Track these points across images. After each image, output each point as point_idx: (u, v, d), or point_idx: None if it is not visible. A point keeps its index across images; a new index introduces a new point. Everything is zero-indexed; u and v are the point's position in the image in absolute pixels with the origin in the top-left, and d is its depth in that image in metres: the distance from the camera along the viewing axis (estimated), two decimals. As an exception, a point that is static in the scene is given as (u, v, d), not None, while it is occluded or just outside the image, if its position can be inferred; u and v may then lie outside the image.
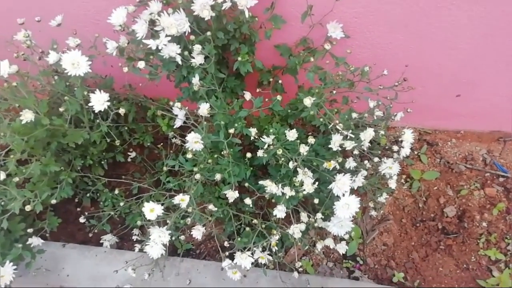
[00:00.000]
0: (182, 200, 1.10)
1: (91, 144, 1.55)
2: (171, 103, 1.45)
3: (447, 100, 1.81)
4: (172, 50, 1.14)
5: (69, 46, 1.27)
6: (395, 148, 1.34)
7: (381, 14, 1.37)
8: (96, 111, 1.20)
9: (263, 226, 1.32)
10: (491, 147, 1.93)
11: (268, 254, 1.33)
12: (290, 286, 1.49)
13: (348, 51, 1.39)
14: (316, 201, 1.26)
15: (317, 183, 1.17)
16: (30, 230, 1.44)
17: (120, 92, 1.75)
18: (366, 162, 1.37)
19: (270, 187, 1.12)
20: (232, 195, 1.14)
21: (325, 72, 1.42)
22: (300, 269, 1.67)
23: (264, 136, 1.24)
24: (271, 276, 1.58)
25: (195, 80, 1.19)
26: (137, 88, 1.79)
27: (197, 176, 1.16)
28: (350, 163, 1.28)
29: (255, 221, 1.31)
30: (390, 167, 1.36)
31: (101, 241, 1.72)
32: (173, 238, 1.55)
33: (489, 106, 1.81)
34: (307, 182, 1.13)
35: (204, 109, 1.14)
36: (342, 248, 1.33)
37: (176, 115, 1.35)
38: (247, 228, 1.35)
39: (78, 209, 1.82)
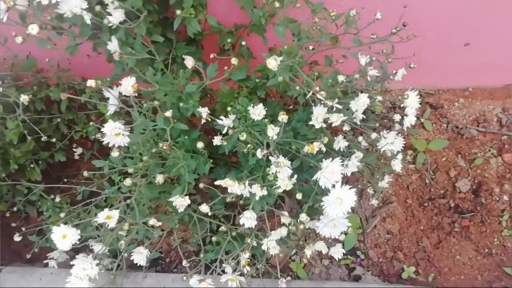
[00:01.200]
0: (108, 217, 0.78)
1: (9, 144, 1.21)
2: (98, 82, 1.11)
3: (453, 51, 1.48)
4: (75, 5, 0.79)
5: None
6: (397, 117, 1.02)
7: None
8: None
9: (233, 233, 1.01)
10: (506, 104, 1.62)
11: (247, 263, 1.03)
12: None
13: (326, -8, 1.04)
14: (299, 196, 0.95)
15: (295, 176, 0.85)
16: None
17: (48, 75, 1.40)
18: (360, 138, 1.05)
19: (232, 187, 0.81)
20: (181, 202, 0.82)
21: (298, 25, 1.09)
22: (290, 273, 1.38)
23: (222, 117, 0.92)
24: (255, 284, 1.29)
25: (112, 45, 0.85)
26: (71, 68, 1.45)
27: (127, 181, 0.84)
28: (340, 143, 0.96)
29: (223, 227, 1.00)
30: (391, 143, 1.05)
31: (45, 261, 1.41)
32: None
33: (504, 55, 1.49)
34: (282, 175, 0.82)
35: (128, 85, 0.81)
36: (337, 252, 1.03)
37: (107, 98, 1.02)
38: (214, 238, 1.04)
39: (13, 224, 1.50)
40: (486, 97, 1.65)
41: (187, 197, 0.83)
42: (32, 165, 1.37)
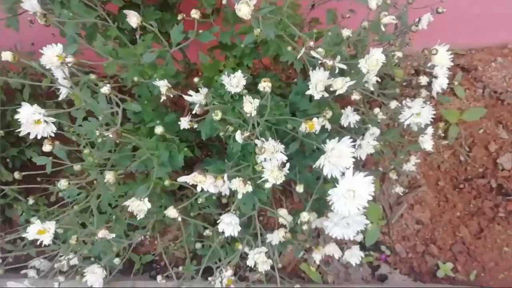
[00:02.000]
0: (41, 232, 0.58)
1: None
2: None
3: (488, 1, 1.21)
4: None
5: None
6: (423, 80, 0.78)
7: None
8: None
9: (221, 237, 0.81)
10: (555, 60, 1.34)
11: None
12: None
13: None
14: (299, 189, 0.73)
15: (287, 165, 0.63)
16: None
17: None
18: (377, 110, 0.81)
19: (203, 184, 0.60)
20: (138, 207, 0.62)
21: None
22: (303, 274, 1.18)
23: (191, 92, 0.70)
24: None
25: (29, 3, 0.64)
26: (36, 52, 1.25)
27: (62, 183, 0.64)
28: (349, 117, 0.73)
29: (207, 232, 0.80)
30: (417, 114, 0.81)
31: (23, 270, 1.25)
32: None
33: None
34: (269, 165, 0.60)
35: (52, 55, 0.60)
36: (354, 256, 0.81)
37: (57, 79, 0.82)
38: (197, 244, 0.84)
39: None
40: (530, 53, 1.37)
41: (147, 199, 0.63)
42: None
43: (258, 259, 0.64)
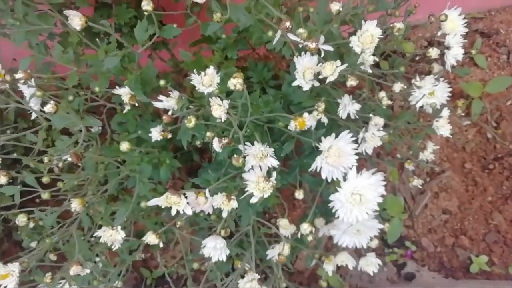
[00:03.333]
0: (4, 276, 0.51)
1: None
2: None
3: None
4: None
5: None
6: (433, 52, 0.66)
7: None
8: None
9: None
10: None
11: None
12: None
13: None
14: (299, 195, 0.64)
15: (275, 174, 0.53)
16: None
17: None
18: (382, 94, 0.70)
19: (179, 206, 0.50)
20: (112, 237, 0.54)
21: None
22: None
23: (161, 97, 0.61)
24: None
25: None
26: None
27: (21, 219, 0.56)
28: (348, 107, 0.62)
29: (223, 232, 0.71)
30: (430, 93, 0.70)
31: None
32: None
33: None
34: (252, 176, 0.50)
35: None
36: (371, 264, 0.71)
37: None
38: (195, 264, 0.75)
39: None
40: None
41: (120, 227, 0.54)
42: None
43: (251, 281, 0.55)
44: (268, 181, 0.51)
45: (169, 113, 0.60)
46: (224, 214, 0.54)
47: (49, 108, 0.58)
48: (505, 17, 1.24)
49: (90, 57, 0.69)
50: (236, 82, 0.47)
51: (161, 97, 0.61)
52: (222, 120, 0.51)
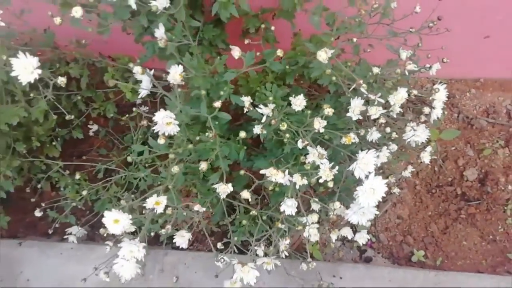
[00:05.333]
0: (157, 203, 0.79)
1: (33, 122, 1.20)
2: (131, 65, 1.09)
3: (471, 43, 1.51)
4: (121, -12, 0.78)
5: None
6: (426, 110, 1.05)
7: None
8: (23, 83, 0.85)
9: (263, 217, 1.05)
10: (515, 96, 1.67)
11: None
12: (298, 279, 1.25)
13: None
14: (330, 184, 0.98)
15: (336, 167, 0.88)
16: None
17: (66, 51, 1.37)
18: (388, 130, 1.08)
19: (275, 176, 0.83)
20: (224, 189, 0.84)
21: (333, 14, 1.09)
22: (304, 253, 1.43)
23: (261, 106, 0.93)
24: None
25: (159, 32, 0.85)
26: (90, 44, 1.41)
27: (175, 169, 0.85)
28: (373, 135, 0.99)
29: (253, 212, 1.03)
30: (417, 135, 1.08)
31: (65, 236, 1.43)
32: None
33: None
34: (324, 166, 0.84)
35: (175, 74, 0.81)
36: (362, 238, 1.08)
37: (140, 81, 1.01)
38: (244, 221, 1.07)
39: (34, 198, 1.49)
40: (496, 88, 1.69)
41: (230, 184, 0.85)
42: (53, 142, 1.36)
43: (312, 232, 0.89)
44: (331, 171, 0.85)
45: (264, 118, 0.91)
46: (297, 186, 0.87)
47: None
48: (461, 86, 1.71)
49: (201, 64, 0.99)
50: (328, 112, 0.81)
51: (261, 106, 0.93)
52: (320, 130, 0.84)
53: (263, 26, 1.18)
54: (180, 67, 0.83)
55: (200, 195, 1.18)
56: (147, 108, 1.51)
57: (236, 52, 0.83)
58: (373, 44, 1.19)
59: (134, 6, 0.83)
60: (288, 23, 1.26)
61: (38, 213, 1.35)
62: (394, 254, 1.47)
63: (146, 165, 1.44)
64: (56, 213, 1.40)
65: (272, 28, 1.20)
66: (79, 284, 1.32)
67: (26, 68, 0.84)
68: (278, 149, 1.05)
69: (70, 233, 1.43)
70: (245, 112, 1.02)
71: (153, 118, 0.80)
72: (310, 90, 1.45)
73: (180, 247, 0.92)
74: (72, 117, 1.24)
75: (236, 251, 1.13)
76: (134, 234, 1.28)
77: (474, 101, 1.68)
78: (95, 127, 1.57)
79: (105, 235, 1.31)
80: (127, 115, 1.43)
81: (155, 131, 0.82)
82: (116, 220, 0.77)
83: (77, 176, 1.39)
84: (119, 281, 1.24)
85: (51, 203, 1.41)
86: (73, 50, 1.37)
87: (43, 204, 1.38)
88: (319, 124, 0.83)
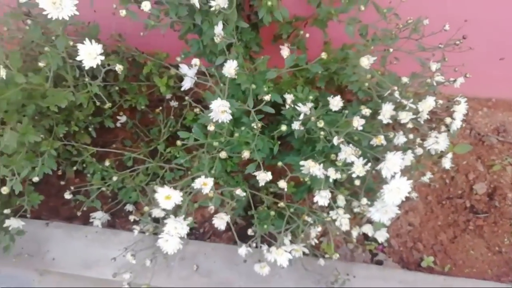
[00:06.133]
0: (204, 184, 0.86)
1: (76, 107, 1.27)
2: (177, 58, 1.17)
3: (487, 63, 1.59)
4: (188, -12, 0.86)
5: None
6: (448, 120, 1.13)
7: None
8: (86, 67, 0.93)
9: (291, 210, 1.11)
10: (525, 117, 1.76)
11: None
12: (315, 274, 1.31)
13: (404, -1, 1.12)
14: (357, 182, 1.05)
15: (369, 164, 0.95)
16: (7, 211, 1.19)
17: (107, 44, 1.44)
18: (411, 136, 1.15)
19: (313, 168, 0.90)
20: (263, 177, 0.91)
21: (366, 26, 1.17)
22: (319, 252, 1.49)
23: (300, 104, 1.00)
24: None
25: (218, 29, 0.92)
26: (126, 39, 1.49)
27: (223, 154, 0.92)
28: (399, 139, 1.06)
29: (281, 203, 1.09)
30: (437, 143, 1.16)
31: (90, 220, 1.48)
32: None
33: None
34: (357, 163, 0.91)
35: (230, 68, 0.88)
36: (382, 236, 1.14)
37: (184, 74, 1.09)
38: (272, 212, 1.14)
39: (62, 182, 1.55)
40: (507, 109, 1.78)
41: (269, 173, 0.92)
42: (89, 128, 1.42)
43: (343, 221, 0.95)
44: (364, 167, 0.92)
45: (301, 116, 0.99)
46: (331, 179, 0.94)
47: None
48: (473, 104, 1.79)
49: (242, 63, 1.06)
50: (366, 112, 0.89)
51: (300, 104, 1.00)
52: (358, 128, 0.91)
53: (301, 32, 1.26)
54: (235, 62, 0.90)
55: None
56: (177, 103, 1.58)
57: (285, 52, 0.91)
58: (398, 57, 1.28)
59: (197, 5, 0.91)
60: (317, 32, 1.34)
61: (68, 196, 1.40)
62: (404, 259, 1.53)
63: (171, 156, 1.51)
64: (85, 198, 1.46)
65: (307, 35, 1.28)
66: (105, 261, 1.38)
67: (90, 54, 0.91)
68: (308, 147, 1.12)
69: (95, 218, 1.49)
70: (281, 110, 1.09)
71: (210, 106, 0.87)
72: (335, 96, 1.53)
73: (219, 228, 0.98)
74: (110, 105, 1.31)
75: (260, 242, 1.19)
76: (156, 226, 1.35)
77: (486, 119, 1.76)
78: (123, 118, 1.64)
79: (132, 219, 1.38)
80: (160, 108, 1.50)
81: (210, 117, 0.89)
82: (168, 197, 0.83)
83: (107, 163, 1.45)
84: (143, 264, 1.31)
85: (77, 188, 1.47)
86: (114, 43, 1.45)
87: (70, 189, 1.44)
88: (357, 123, 0.90)
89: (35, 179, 1.11)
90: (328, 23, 1.32)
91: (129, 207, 1.58)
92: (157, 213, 1.23)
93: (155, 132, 1.63)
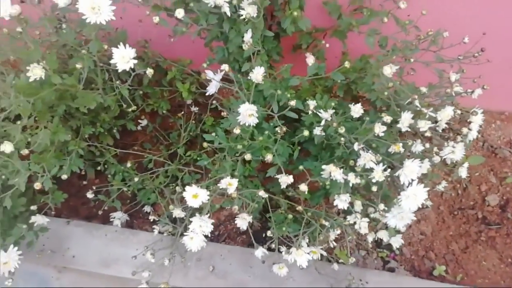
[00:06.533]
0: (229, 184, 0.90)
1: (102, 109, 1.32)
2: (203, 65, 1.22)
3: (501, 77, 1.62)
4: (220, -2, 0.91)
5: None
6: (465, 130, 1.16)
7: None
8: (119, 70, 0.98)
9: (309, 213, 1.14)
10: (538, 131, 1.78)
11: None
12: (329, 278, 1.33)
13: (424, 12, 1.16)
14: (374, 188, 1.08)
15: (388, 170, 0.98)
16: (33, 208, 1.23)
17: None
18: (427, 145, 1.18)
19: (334, 172, 0.93)
20: (285, 180, 0.95)
21: (386, 37, 1.21)
22: (332, 258, 1.52)
23: (321, 111, 1.04)
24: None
25: (247, 37, 0.97)
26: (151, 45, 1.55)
27: (248, 156, 0.96)
28: (417, 147, 1.09)
29: (299, 207, 1.13)
30: (453, 152, 1.19)
31: (110, 219, 1.52)
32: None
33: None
34: (377, 168, 0.95)
35: (258, 74, 0.93)
36: (397, 241, 1.17)
37: (211, 80, 1.13)
38: (290, 216, 1.17)
39: (84, 182, 1.60)
40: (520, 122, 1.80)
41: (291, 176, 0.96)
42: (113, 130, 1.47)
43: (362, 224, 0.98)
44: (383, 173, 0.95)
45: (323, 122, 1.03)
46: (350, 184, 0.97)
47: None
48: (487, 117, 1.81)
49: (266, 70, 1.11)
50: (387, 119, 0.92)
51: (321, 111, 1.04)
52: (380, 134, 0.95)
53: (323, 42, 1.30)
54: (262, 69, 0.95)
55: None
56: (197, 108, 1.63)
57: (310, 60, 0.95)
58: (415, 68, 1.32)
59: (229, 14, 0.95)
60: (334, 42, 1.39)
61: (90, 195, 1.45)
62: (416, 267, 1.55)
63: (190, 159, 1.56)
64: (106, 198, 1.51)
65: (327, 45, 1.32)
66: (124, 260, 1.41)
67: (123, 58, 0.96)
68: (327, 152, 1.16)
69: (114, 217, 1.53)
70: (301, 117, 1.13)
71: (238, 110, 0.92)
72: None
73: (241, 228, 1.01)
74: (135, 108, 1.36)
75: (276, 245, 1.22)
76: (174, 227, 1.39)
77: (499, 132, 1.79)
78: (144, 122, 1.69)
79: (152, 219, 1.42)
80: (182, 112, 1.55)
81: (238, 121, 0.93)
82: (195, 195, 0.87)
83: (128, 165, 1.49)
84: (161, 264, 1.35)
85: (98, 188, 1.51)
86: (140, 49, 1.50)
87: (93, 188, 1.49)
88: (379, 129, 0.93)
89: (64, 176, 1.15)
90: (349, 35, 1.37)
91: (147, 209, 1.62)
92: (177, 213, 1.26)
93: (174, 136, 1.68)
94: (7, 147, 0.83)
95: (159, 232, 1.43)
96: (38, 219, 1.26)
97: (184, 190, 0.90)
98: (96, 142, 1.52)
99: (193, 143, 1.73)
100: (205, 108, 1.67)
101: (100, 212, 1.48)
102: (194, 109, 1.61)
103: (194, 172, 1.56)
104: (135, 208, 1.61)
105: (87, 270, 1.42)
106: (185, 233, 0.94)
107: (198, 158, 1.23)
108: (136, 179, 1.42)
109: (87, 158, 1.58)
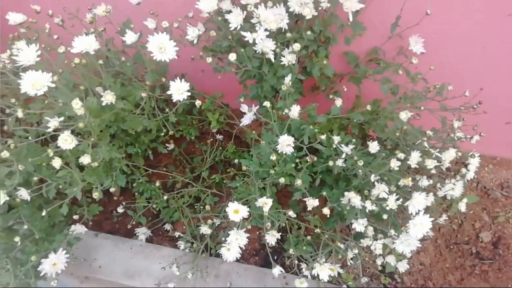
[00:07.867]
0: (265, 203, 1.04)
1: (143, 132, 1.47)
2: (240, 99, 1.39)
3: (494, 126, 1.81)
4: (267, 46, 1.09)
5: (149, 28, 1.21)
6: (464, 170, 1.33)
7: (462, 33, 1.36)
8: (174, 100, 1.14)
9: (325, 236, 1.28)
10: (526, 176, 1.96)
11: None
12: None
13: (432, 67, 1.36)
14: (385, 216, 1.23)
15: (400, 200, 1.14)
16: (75, 217, 1.36)
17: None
18: (430, 181, 1.34)
19: (353, 199, 1.09)
20: (312, 203, 1.10)
21: (398, 86, 1.40)
22: (338, 281, 1.64)
23: (343, 145, 1.20)
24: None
25: (287, 80, 1.14)
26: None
27: (282, 179, 1.11)
28: (423, 182, 1.25)
29: (317, 230, 1.27)
30: (453, 189, 1.35)
31: (136, 234, 1.64)
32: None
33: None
34: (391, 197, 1.10)
35: (295, 111, 1.10)
36: (403, 266, 1.30)
37: (244, 113, 1.30)
38: (308, 237, 1.31)
39: (115, 197, 1.73)
40: (510, 167, 1.99)
41: (317, 200, 1.11)
42: (147, 151, 1.62)
43: (377, 246, 1.12)
44: (396, 202, 1.10)
45: (343, 155, 1.19)
46: (367, 210, 1.13)
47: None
48: (480, 161, 1.99)
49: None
50: (401, 156, 1.09)
51: (342, 145, 1.21)
52: (395, 169, 1.11)
53: (344, 88, 1.48)
54: (298, 107, 1.12)
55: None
56: (222, 136, 1.79)
57: (339, 102, 1.12)
58: (420, 114, 1.50)
59: (273, 60, 1.14)
60: (349, 86, 1.58)
61: (120, 210, 1.57)
62: (415, 295, 1.67)
63: (212, 182, 1.70)
64: (134, 213, 1.63)
65: (345, 89, 1.51)
66: (147, 272, 1.52)
67: (179, 90, 1.13)
68: (343, 182, 1.31)
69: (140, 233, 1.65)
70: (319, 150, 1.30)
71: (278, 140, 1.08)
72: (363, 141, 1.74)
73: (270, 244, 1.14)
74: (172, 132, 1.51)
75: (295, 264, 1.35)
76: (192, 244, 1.51)
77: (491, 175, 1.96)
78: (171, 146, 1.84)
79: (176, 236, 1.54)
80: (211, 139, 1.71)
81: (277, 148, 1.09)
82: (236, 211, 1.01)
83: (157, 184, 1.63)
84: (182, 278, 1.46)
85: (123, 205, 1.65)
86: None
87: (120, 204, 1.62)
88: (394, 164, 1.10)
89: (112, 189, 1.29)
90: (364, 81, 1.56)
91: (167, 227, 1.74)
92: (204, 230, 1.39)
93: (198, 160, 1.83)
94: (86, 159, 0.97)
95: (185, 250, 1.55)
96: (78, 228, 1.38)
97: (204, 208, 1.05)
98: (128, 161, 1.67)
99: (212, 168, 1.87)
100: (227, 137, 1.84)
101: (129, 227, 1.60)
102: (219, 137, 1.77)
103: (213, 195, 1.70)
104: (157, 225, 1.73)
105: (113, 280, 1.52)
106: (221, 245, 1.07)
107: (225, 182, 1.37)
108: (165, 198, 1.55)
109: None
